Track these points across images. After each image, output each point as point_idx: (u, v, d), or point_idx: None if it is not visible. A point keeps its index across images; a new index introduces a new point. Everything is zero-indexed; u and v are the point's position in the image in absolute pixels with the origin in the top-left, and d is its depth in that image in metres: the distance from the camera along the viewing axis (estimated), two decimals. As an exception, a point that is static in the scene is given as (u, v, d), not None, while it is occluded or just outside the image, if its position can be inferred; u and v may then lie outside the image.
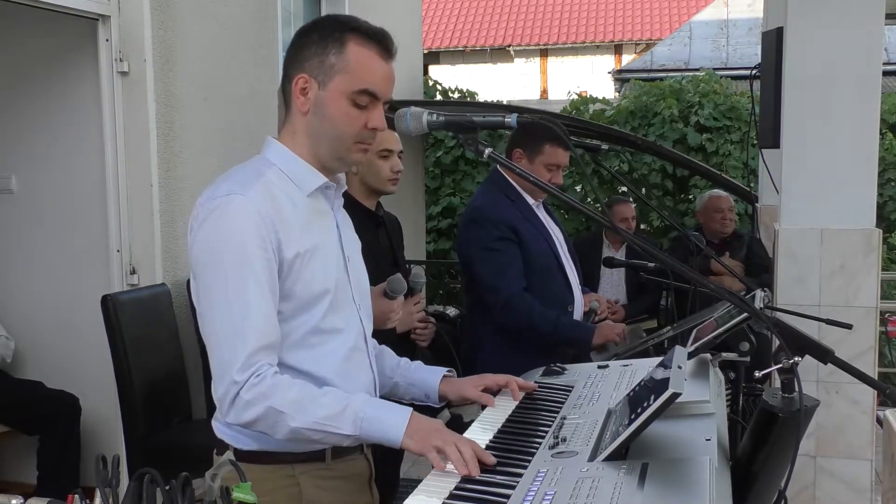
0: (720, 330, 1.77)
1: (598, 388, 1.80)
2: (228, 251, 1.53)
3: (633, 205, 5.50)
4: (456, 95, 8.28)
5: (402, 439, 1.49)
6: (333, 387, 1.62)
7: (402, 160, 2.71)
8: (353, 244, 1.80)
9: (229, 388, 1.51)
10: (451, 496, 1.29)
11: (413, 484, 1.36)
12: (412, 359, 1.92)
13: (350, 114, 1.62)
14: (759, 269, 4.34)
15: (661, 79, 8.22)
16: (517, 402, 1.77)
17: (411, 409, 1.53)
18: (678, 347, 1.58)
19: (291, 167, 1.65)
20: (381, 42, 1.63)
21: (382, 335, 1.99)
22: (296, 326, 1.60)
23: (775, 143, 3.18)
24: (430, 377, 1.84)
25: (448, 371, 1.85)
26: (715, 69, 8.45)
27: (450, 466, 1.40)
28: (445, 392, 1.82)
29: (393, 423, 1.50)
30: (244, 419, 1.52)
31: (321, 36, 1.63)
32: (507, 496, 1.25)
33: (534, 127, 2.85)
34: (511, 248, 2.88)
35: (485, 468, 1.39)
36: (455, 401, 1.83)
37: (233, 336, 1.52)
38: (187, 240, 1.62)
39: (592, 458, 1.35)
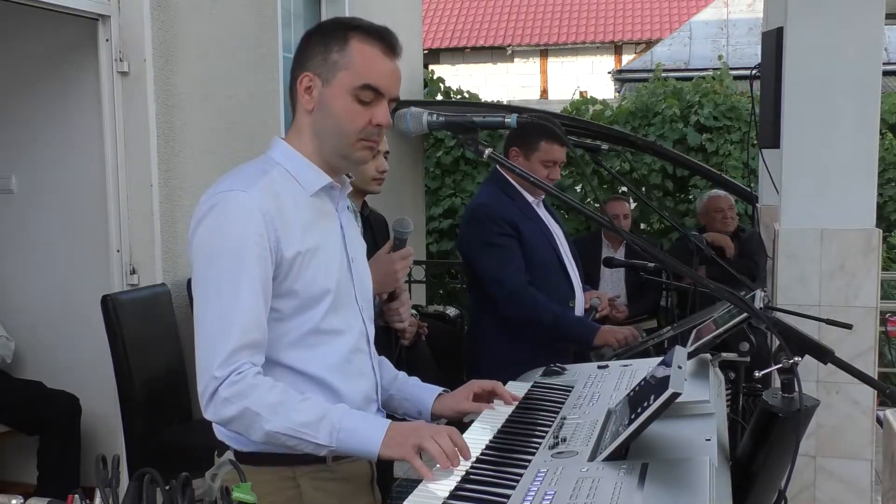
0: (720, 330, 1.78)
1: (598, 388, 1.80)
2: (225, 247, 1.54)
3: (634, 204, 5.49)
4: (459, 96, 8.27)
5: (378, 450, 1.48)
6: (332, 388, 1.63)
7: (387, 160, 2.70)
8: (358, 246, 1.80)
9: (209, 383, 1.51)
10: (451, 496, 1.29)
11: (413, 484, 1.36)
12: (393, 351, 1.91)
13: (354, 110, 1.62)
14: (749, 261, 4.34)
15: (665, 79, 8.21)
16: (517, 403, 1.77)
17: (390, 421, 1.53)
18: (678, 347, 1.58)
19: (296, 167, 1.65)
20: (384, 39, 1.64)
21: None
22: (295, 326, 1.60)
23: (775, 143, 3.18)
24: (424, 395, 1.83)
25: (444, 390, 1.84)
26: (715, 69, 8.43)
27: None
28: (440, 410, 1.81)
29: (369, 436, 1.49)
30: (221, 416, 1.52)
31: (324, 35, 1.64)
32: (507, 496, 1.25)
33: (529, 125, 2.85)
34: (512, 244, 2.91)
35: (482, 469, 1.39)
36: (452, 417, 1.82)
37: (218, 332, 1.52)
38: (188, 237, 1.62)
39: (592, 458, 1.35)
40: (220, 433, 1.64)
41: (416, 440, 1.44)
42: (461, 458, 1.43)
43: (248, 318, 1.53)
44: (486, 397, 1.81)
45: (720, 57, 8.86)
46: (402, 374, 1.90)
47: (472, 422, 1.68)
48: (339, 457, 1.64)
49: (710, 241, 4.64)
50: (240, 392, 1.50)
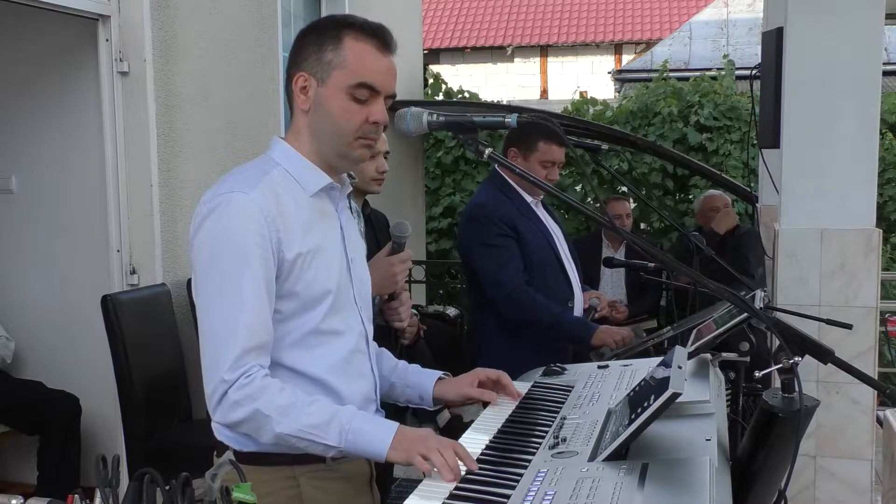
0: (720, 330, 1.77)
1: (598, 388, 1.80)
2: (227, 249, 1.53)
3: (634, 204, 5.48)
4: (460, 96, 8.26)
5: (387, 453, 1.48)
6: (331, 389, 1.62)
7: (387, 160, 2.70)
8: (357, 246, 1.80)
9: (218, 386, 1.52)
10: (451, 496, 1.29)
11: (413, 484, 1.36)
12: (393, 350, 1.92)
13: (350, 108, 1.61)
14: (740, 257, 4.34)
15: (666, 79, 8.21)
16: (517, 402, 1.77)
17: (398, 424, 1.53)
18: (678, 347, 1.58)
19: (296, 167, 1.65)
20: (378, 36, 1.63)
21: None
22: (295, 327, 1.60)
23: (775, 143, 3.18)
24: (425, 380, 1.84)
25: (444, 374, 1.85)
26: (718, 69, 8.44)
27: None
28: (442, 394, 1.82)
29: (378, 438, 1.50)
30: (230, 419, 1.53)
31: (319, 34, 1.63)
32: (507, 496, 1.25)
33: (528, 125, 2.87)
34: (511, 244, 2.91)
35: (482, 469, 1.39)
36: (455, 401, 1.83)
37: (225, 334, 1.52)
38: (189, 238, 1.62)
39: (592, 458, 1.35)
40: (219, 433, 1.64)
41: (423, 450, 1.43)
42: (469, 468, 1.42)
43: (252, 317, 1.53)
44: (491, 386, 1.81)
45: (725, 55, 8.84)
46: (403, 362, 1.90)
47: (472, 422, 1.68)
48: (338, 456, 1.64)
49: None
50: (250, 395, 1.50)
